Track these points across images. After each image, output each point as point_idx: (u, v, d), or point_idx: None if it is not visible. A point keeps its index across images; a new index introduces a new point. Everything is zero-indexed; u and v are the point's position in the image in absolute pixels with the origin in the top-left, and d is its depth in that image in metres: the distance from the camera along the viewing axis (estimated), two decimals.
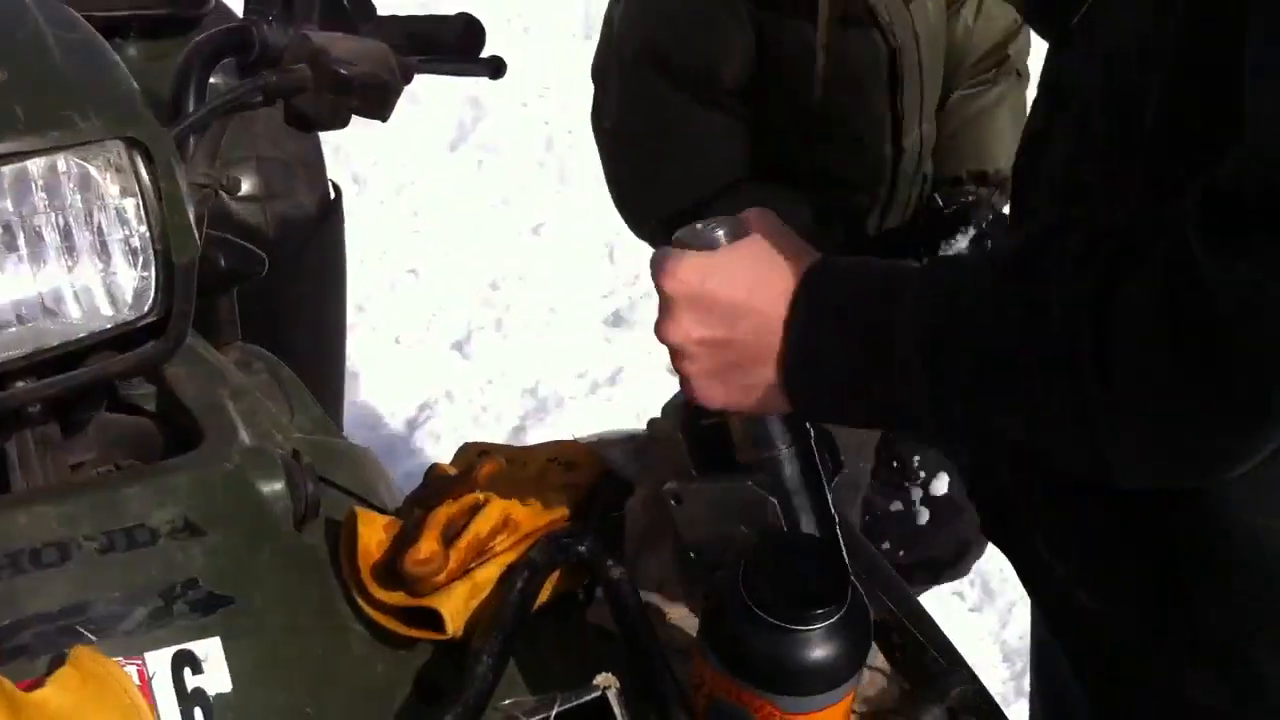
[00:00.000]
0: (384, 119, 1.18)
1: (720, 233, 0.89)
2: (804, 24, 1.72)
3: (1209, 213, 0.73)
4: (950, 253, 1.84)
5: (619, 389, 3.18)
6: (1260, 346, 0.71)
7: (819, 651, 0.90)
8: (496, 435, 2.99)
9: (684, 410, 1.00)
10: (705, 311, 0.87)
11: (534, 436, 2.94)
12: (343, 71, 1.13)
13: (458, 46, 1.34)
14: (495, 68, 1.35)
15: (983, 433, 0.87)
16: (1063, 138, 0.96)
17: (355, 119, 1.21)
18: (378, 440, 2.63)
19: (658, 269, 0.90)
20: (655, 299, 0.90)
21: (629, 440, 1.21)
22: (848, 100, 1.79)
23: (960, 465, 2.13)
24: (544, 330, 3.42)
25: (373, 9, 1.27)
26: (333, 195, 1.96)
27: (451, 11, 1.36)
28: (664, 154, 1.84)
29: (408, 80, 1.23)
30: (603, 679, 0.81)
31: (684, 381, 0.92)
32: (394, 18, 1.32)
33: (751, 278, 0.87)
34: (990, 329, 0.81)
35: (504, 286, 3.57)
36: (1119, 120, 0.88)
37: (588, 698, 0.82)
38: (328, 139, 1.82)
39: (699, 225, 0.90)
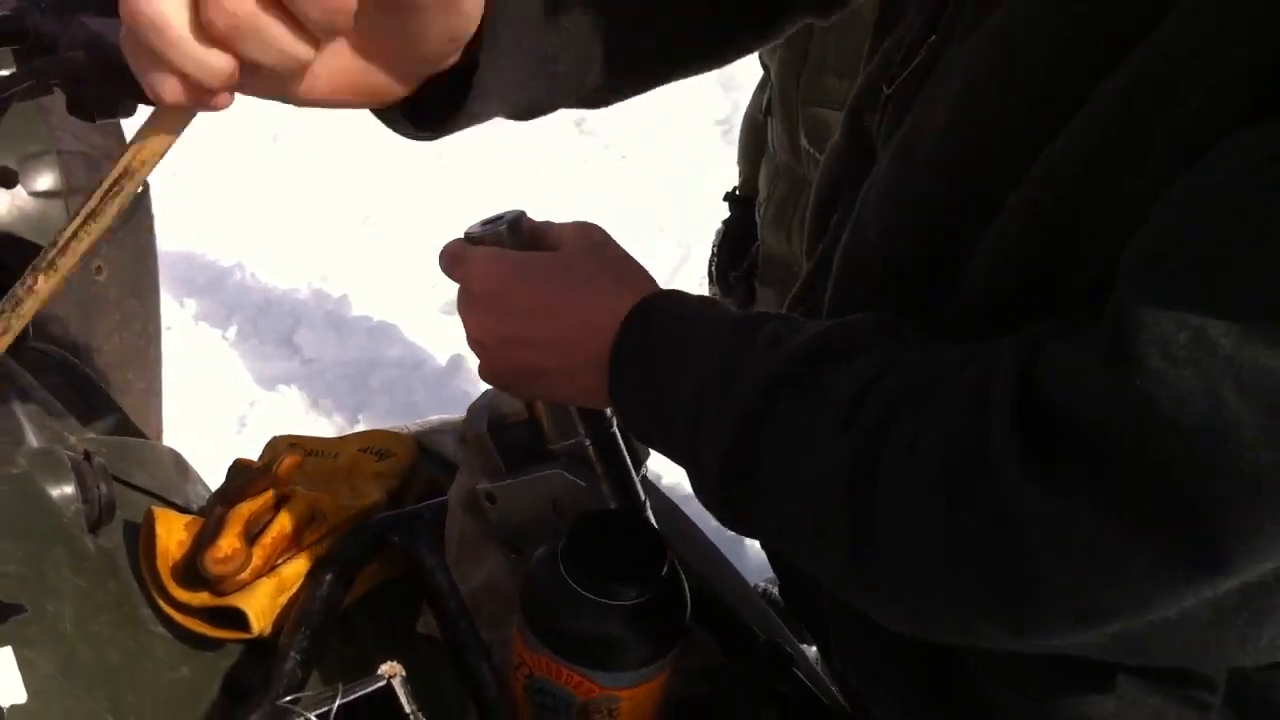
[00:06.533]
0: None
1: (503, 230, 0.90)
2: None
3: (1027, 426, 0.58)
4: None
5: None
6: (1062, 574, 0.58)
7: (637, 625, 0.90)
8: (328, 430, 2.93)
9: (490, 411, 1.00)
10: (504, 312, 0.87)
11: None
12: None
13: None
14: None
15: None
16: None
17: None
18: (205, 438, 2.55)
19: (454, 262, 0.89)
20: None
21: (458, 429, 1.19)
22: None
23: None
24: (378, 320, 3.36)
25: None
26: (140, 189, 1.88)
27: None
28: None
29: None
30: (387, 668, 0.79)
31: (480, 367, 0.91)
32: None
33: (560, 285, 0.86)
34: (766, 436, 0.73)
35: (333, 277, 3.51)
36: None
37: (372, 688, 0.80)
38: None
39: (484, 222, 0.91)
